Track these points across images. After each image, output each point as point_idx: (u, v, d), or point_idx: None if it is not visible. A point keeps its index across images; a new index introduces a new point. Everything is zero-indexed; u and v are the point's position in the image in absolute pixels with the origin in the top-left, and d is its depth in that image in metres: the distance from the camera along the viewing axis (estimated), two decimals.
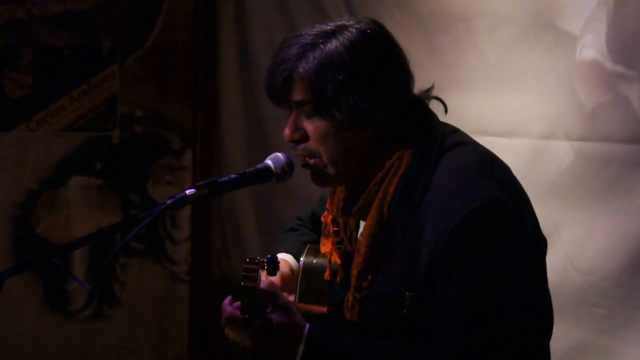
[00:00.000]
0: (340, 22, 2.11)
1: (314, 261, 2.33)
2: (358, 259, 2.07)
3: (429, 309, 1.97)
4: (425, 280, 1.96)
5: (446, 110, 2.15)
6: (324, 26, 2.10)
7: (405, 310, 1.98)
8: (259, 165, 2.18)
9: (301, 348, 1.98)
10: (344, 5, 3.86)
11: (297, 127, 2.09)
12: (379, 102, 2.03)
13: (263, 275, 2.08)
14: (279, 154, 2.20)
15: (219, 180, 2.11)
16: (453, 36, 3.19)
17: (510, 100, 3.04)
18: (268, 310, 1.98)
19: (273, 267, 2.05)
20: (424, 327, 1.98)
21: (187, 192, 2.07)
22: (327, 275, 2.26)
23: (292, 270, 2.36)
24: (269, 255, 2.04)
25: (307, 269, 2.32)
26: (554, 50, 2.94)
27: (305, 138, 2.09)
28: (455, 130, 2.15)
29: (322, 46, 2.04)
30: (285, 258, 2.38)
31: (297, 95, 2.05)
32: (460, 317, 1.94)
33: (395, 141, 2.08)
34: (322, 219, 2.30)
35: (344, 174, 2.11)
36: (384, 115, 2.04)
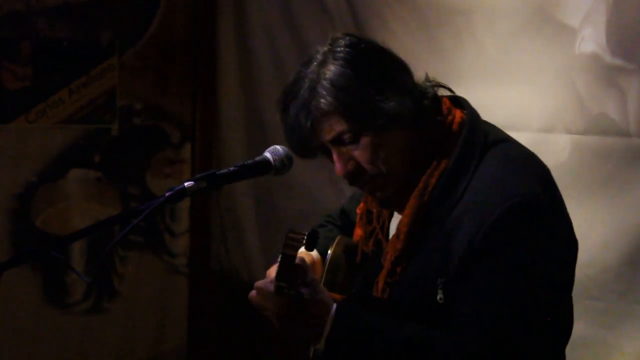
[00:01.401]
0: (320, 51, 2.11)
1: (342, 254, 2.34)
2: (397, 245, 2.10)
3: (461, 297, 1.99)
4: (459, 269, 1.99)
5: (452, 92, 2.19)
6: (309, 63, 2.10)
7: (439, 296, 2.00)
8: (257, 158, 2.19)
9: (328, 325, 2.00)
10: (344, 1, 3.86)
11: (346, 160, 2.10)
12: (399, 92, 2.05)
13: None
14: (278, 147, 2.20)
15: (217, 172, 2.11)
16: (453, 29, 3.18)
17: (509, 94, 3.04)
18: (299, 281, 1.99)
19: (312, 241, 2.01)
20: (453, 315, 1.99)
21: (186, 184, 2.07)
22: (358, 259, 2.29)
23: (313, 262, 2.38)
24: (311, 229, 2.01)
25: (335, 261, 2.33)
26: (554, 43, 2.94)
27: (357, 166, 2.10)
28: (493, 125, 2.18)
29: (324, 76, 2.05)
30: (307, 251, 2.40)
31: (332, 131, 2.06)
32: (491, 307, 1.96)
33: (433, 134, 2.11)
34: (357, 210, 2.33)
35: (403, 179, 2.11)
36: (411, 102, 2.06)
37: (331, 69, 2.05)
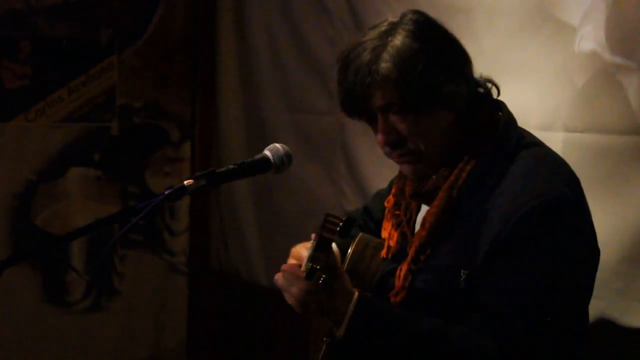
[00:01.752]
0: (387, 22, 2.14)
1: (363, 252, 2.35)
2: (422, 233, 2.12)
3: (483, 291, 2.01)
4: (484, 261, 2.01)
5: (498, 94, 2.23)
6: (376, 30, 2.13)
7: (461, 287, 2.02)
8: (257, 156, 2.19)
9: (350, 312, 2.02)
10: (344, 0, 3.85)
11: (389, 131, 2.12)
12: (459, 77, 2.11)
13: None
14: (278, 145, 2.20)
15: (217, 170, 2.11)
16: (451, 27, 3.17)
17: (508, 91, 3.03)
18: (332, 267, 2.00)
19: (348, 228, 1.99)
20: (473, 308, 2.01)
21: (185, 183, 2.07)
22: (383, 253, 2.30)
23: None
24: (347, 216, 2.00)
25: (355, 259, 2.33)
26: (553, 41, 2.94)
27: (400, 138, 2.12)
28: (527, 130, 2.22)
29: (390, 44, 2.07)
30: None
31: (384, 97, 2.08)
32: (513, 302, 1.98)
33: (473, 127, 2.14)
34: (385, 203, 2.35)
35: (437, 161, 2.14)
36: (466, 90, 2.11)
37: (399, 39, 2.07)
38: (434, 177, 2.15)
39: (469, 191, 2.08)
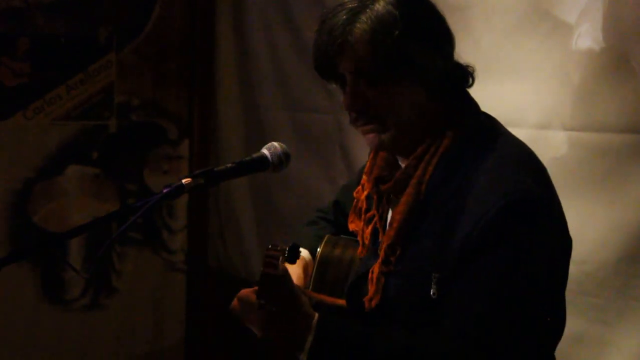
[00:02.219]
0: None
1: (332, 253, 2.34)
2: (390, 233, 2.08)
3: (454, 292, 1.97)
4: (455, 263, 1.97)
5: (472, 84, 2.17)
6: None
7: (432, 291, 1.98)
8: (255, 155, 2.18)
9: (310, 338, 1.98)
10: None
11: (357, 96, 2.06)
12: (435, 52, 2.05)
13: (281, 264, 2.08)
14: (276, 144, 2.20)
15: (215, 169, 2.11)
16: (449, 25, 3.18)
17: (505, 90, 3.04)
18: (280, 296, 1.98)
19: (294, 255, 2.03)
20: (446, 309, 1.98)
21: (184, 181, 2.06)
22: (359, 251, 2.27)
23: (306, 265, 2.37)
24: (291, 243, 2.02)
25: (324, 261, 2.33)
26: (550, 39, 2.94)
27: (366, 106, 2.06)
28: (490, 117, 2.18)
29: (371, 7, 2.02)
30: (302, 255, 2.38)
31: (355, 60, 2.03)
32: (484, 303, 1.95)
33: (442, 109, 2.09)
34: (355, 194, 2.31)
35: (402, 136, 2.09)
36: (441, 67, 2.05)
37: (380, 4, 2.02)
38: (402, 166, 2.11)
39: (437, 186, 2.04)
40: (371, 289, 2.10)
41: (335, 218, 2.52)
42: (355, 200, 2.30)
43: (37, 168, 4.44)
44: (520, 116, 3.01)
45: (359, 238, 2.28)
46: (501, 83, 3.03)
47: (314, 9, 4.03)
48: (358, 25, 2.00)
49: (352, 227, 2.30)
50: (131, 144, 4.63)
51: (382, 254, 2.09)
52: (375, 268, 2.10)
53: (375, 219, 2.21)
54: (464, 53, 3.13)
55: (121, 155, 4.61)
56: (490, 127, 2.13)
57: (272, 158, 2.18)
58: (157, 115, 4.67)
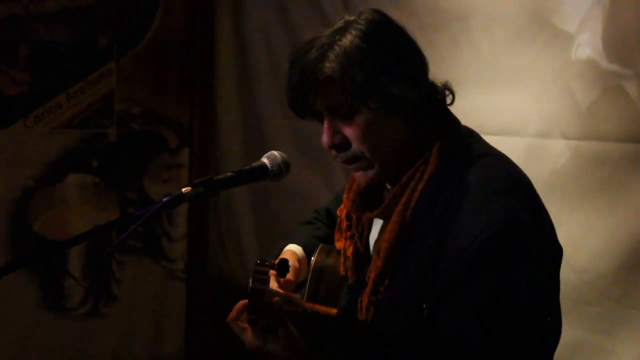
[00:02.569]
0: (343, 19, 2.09)
1: (325, 261, 2.34)
2: (378, 262, 2.06)
3: (443, 322, 1.96)
4: (443, 293, 1.95)
5: (452, 102, 2.16)
6: (329, 28, 2.07)
7: (422, 318, 1.97)
8: (255, 164, 2.18)
9: None
10: (341, 4, 3.86)
11: (335, 132, 2.07)
12: (407, 81, 2.03)
13: (273, 277, 2.10)
14: (275, 152, 2.20)
15: (215, 178, 2.10)
16: (449, 34, 3.18)
17: (506, 99, 3.04)
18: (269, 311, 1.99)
19: (283, 270, 2.07)
20: (435, 339, 1.96)
21: (184, 190, 2.06)
22: (341, 270, 2.26)
23: (298, 260, 2.37)
24: (280, 258, 2.04)
25: (318, 269, 2.33)
26: (550, 48, 2.94)
27: (345, 141, 2.07)
28: (472, 134, 2.15)
29: (339, 43, 2.01)
30: (293, 249, 2.40)
31: (328, 98, 2.03)
32: (474, 333, 1.93)
33: (423, 135, 2.08)
34: (338, 212, 2.31)
35: (387, 169, 2.08)
36: (415, 96, 2.03)
37: (348, 38, 2.01)
38: (391, 190, 2.09)
39: (422, 213, 2.02)
40: (360, 317, 2.09)
41: (327, 223, 2.53)
42: (339, 218, 2.30)
43: (37, 176, 4.44)
44: (520, 125, 3.02)
45: (342, 258, 2.27)
46: (501, 92, 3.04)
47: (313, 15, 4.03)
48: (327, 64, 2.00)
49: (338, 245, 2.29)
50: (131, 152, 4.63)
51: (370, 283, 2.08)
52: (365, 298, 2.09)
53: (356, 237, 2.21)
54: (464, 62, 3.15)
55: (121, 164, 4.61)
56: (475, 148, 2.10)
57: (272, 167, 2.18)
58: (157, 123, 4.67)
